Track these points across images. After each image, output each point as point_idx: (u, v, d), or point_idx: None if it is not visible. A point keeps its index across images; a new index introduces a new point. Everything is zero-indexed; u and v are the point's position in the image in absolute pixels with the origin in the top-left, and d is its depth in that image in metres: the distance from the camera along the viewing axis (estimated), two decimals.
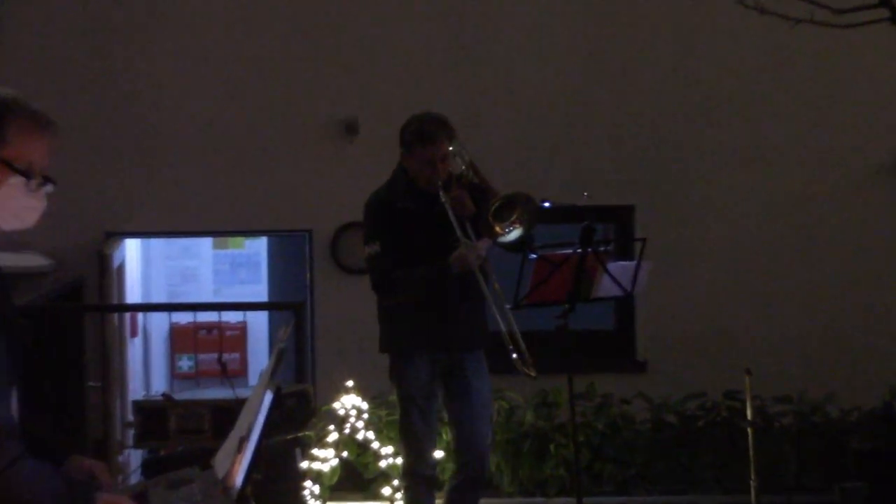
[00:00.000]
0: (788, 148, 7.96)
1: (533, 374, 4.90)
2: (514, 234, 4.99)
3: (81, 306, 7.40)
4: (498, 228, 4.98)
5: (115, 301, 7.51)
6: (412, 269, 5.07)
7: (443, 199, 5.06)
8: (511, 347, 4.91)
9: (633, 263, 5.11)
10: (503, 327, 4.96)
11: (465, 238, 5.02)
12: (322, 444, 6.44)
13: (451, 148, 5.15)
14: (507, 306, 4.97)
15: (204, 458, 2.91)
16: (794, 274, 7.92)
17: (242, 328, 9.55)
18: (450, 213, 5.04)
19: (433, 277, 5.05)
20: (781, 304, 7.90)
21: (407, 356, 5.21)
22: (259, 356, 9.43)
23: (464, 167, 5.21)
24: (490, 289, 5.04)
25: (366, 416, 6.60)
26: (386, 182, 5.29)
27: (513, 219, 4.98)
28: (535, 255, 4.89)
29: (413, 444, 5.23)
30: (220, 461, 2.78)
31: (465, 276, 5.00)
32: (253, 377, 9.12)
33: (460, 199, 5.09)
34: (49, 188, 2.57)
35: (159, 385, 9.04)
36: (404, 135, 5.17)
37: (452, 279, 5.03)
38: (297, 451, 5.93)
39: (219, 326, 9.36)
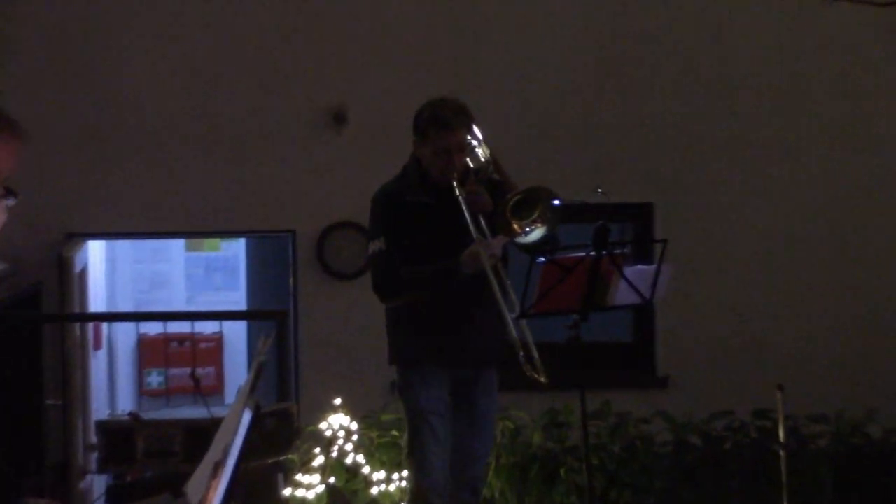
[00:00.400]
0: (825, 141, 7.94)
1: (544, 379, 4.89)
2: (536, 233, 4.99)
3: (39, 316, 7.40)
4: (516, 226, 4.97)
5: (76, 310, 7.51)
6: (418, 267, 5.07)
7: (457, 193, 5.05)
8: (522, 354, 4.91)
9: (652, 268, 5.10)
10: (514, 335, 4.96)
11: (479, 236, 5.02)
12: (307, 469, 6.44)
13: (470, 139, 5.15)
14: (513, 315, 4.96)
15: (175, 485, 2.90)
16: (831, 280, 7.91)
17: (218, 340, 9.55)
18: (464, 208, 5.04)
19: (441, 277, 5.05)
20: (817, 314, 7.89)
21: (418, 368, 5.23)
22: (236, 371, 9.42)
23: (483, 160, 5.22)
24: (506, 297, 5.01)
25: (355, 437, 6.60)
26: (396, 175, 5.31)
27: (534, 217, 4.97)
28: (543, 259, 4.87)
29: (422, 463, 5.24)
30: (193, 488, 2.77)
31: (479, 279, 5.00)
32: (230, 394, 9.12)
33: (477, 194, 5.09)
34: (11, 202, 2.54)
35: (125, 403, 9.04)
36: (418, 121, 5.19)
37: (463, 280, 5.03)
38: (279, 476, 5.93)
39: (192, 338, 9.37)
